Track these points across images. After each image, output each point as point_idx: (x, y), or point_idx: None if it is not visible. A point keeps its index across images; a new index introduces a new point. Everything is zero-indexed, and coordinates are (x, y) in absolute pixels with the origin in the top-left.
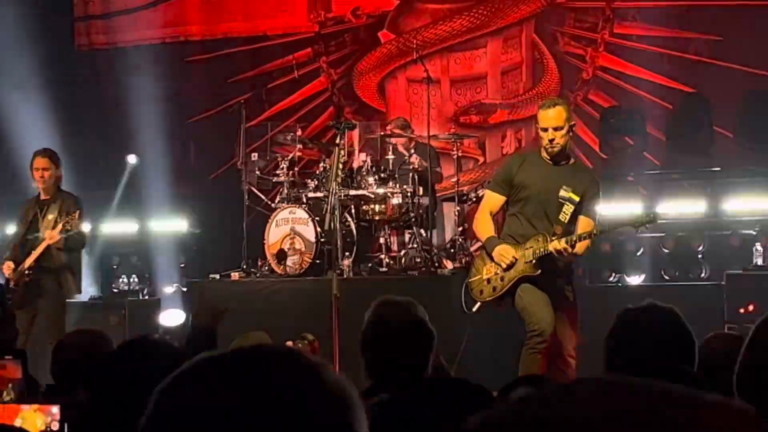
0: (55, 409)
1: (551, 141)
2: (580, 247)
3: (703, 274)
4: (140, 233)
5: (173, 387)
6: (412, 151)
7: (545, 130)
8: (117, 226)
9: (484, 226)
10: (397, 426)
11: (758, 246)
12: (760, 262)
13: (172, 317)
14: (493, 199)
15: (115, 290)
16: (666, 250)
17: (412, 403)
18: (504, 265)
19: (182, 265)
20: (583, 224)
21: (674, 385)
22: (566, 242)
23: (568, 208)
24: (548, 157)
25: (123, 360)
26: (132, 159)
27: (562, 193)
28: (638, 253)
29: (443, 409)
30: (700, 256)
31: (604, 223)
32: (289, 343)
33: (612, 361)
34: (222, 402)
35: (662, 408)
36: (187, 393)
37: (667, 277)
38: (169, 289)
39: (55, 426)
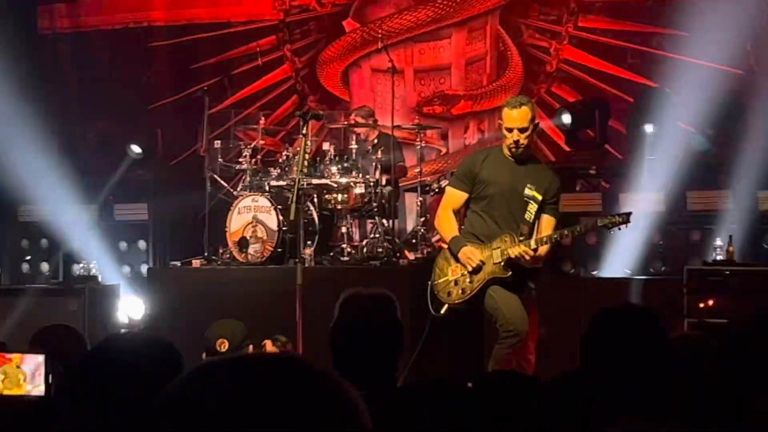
0: (40, 358)
1: (516, 142)
2: (543, 250)
3: (663, 269)
4: (101, 219)
5: (180, 392)
6: (375, 141)
7: (510, 130)
8: (77, 212)
9: (447, 225)
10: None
11: (718, 241)
12: (719, 257)
13: (131, 307)
14: (455, 196)
15: (74, 275)
16: (626, 244)
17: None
18: (470, 269)
19: (144, 251)
20: (546, 224)
21: None
22: (527, 246)
23: (533, 207)
24: (511, 156)
25: (104, 358)
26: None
27: (526, 191)
28: (598, 246)
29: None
30: (660, 250)
31: (576, 226)
32: (267, 342)
33: (588, 361)
34: (227, 407)
35: None
36: (192, 398)
37: (627, 271)
38: (127, 275)
39: (40, 376)
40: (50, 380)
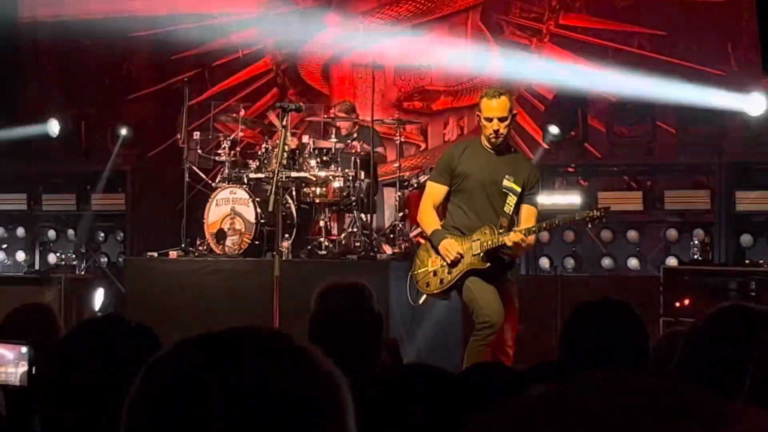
0: (24, 349)
1: (496, 132)
2: (532, 239)
3: (639, 267)
4: (78, 208)
5: (162, 367)
6: (355, 135)
7: (489, 120)
8: (55, 200)
9: (428, 218)
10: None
11: (695, 240)
12: (696, 256)
13: (99, 297)
14: (435, 190)
15: (51, 265)
16: (603, 242)
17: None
18: (449, 261)
19: (121, 242)
20: (527, 214)
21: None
22: (523, 233)
23: (512, 199)
24: (490, 147)
25: (80, 342)
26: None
27: (505, 183)
28: (575, 243)
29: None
30: (637, 248)
31: (553, 219)
32: None
33: (566, 354)
34: (209, 383)
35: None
36: (175, 373)
37: (603, 269)
38: (104, 266)
39: (22, 366)
40: (33, 371)
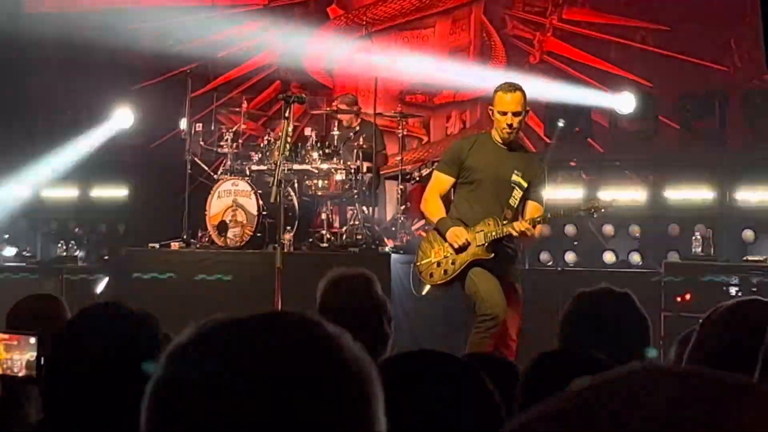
0: (33, 340)
1: (509, 126)
2: (539, 229)
3: (640, 262)
4: (80, 199)
5: (187, 351)
6: (357, 128)
7: (503, 113)
8: (57, 192)
9: (434, 208)
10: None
11: (697, 235)
12: (698, 251)
13: (101, 287)
14: (441, 181)
15: (53, 256)
16: (605, 236)
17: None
18: (457, 247)
19: (123, 233)
20: (533, 209)
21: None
22: (529, 223)
23: (518, 193)
24: (501, 141)
25: (85, 327)
26: None
27: (513, 177)
28: (577, 238)
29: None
30: (638, 243)
31: (557, 208)
32: None
33: (566, 343)
34: (239, 368)
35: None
36: (200, 358)
37: (605, 263)
38: (105, 257)
39: (31, 357)
40: (41, 361)
